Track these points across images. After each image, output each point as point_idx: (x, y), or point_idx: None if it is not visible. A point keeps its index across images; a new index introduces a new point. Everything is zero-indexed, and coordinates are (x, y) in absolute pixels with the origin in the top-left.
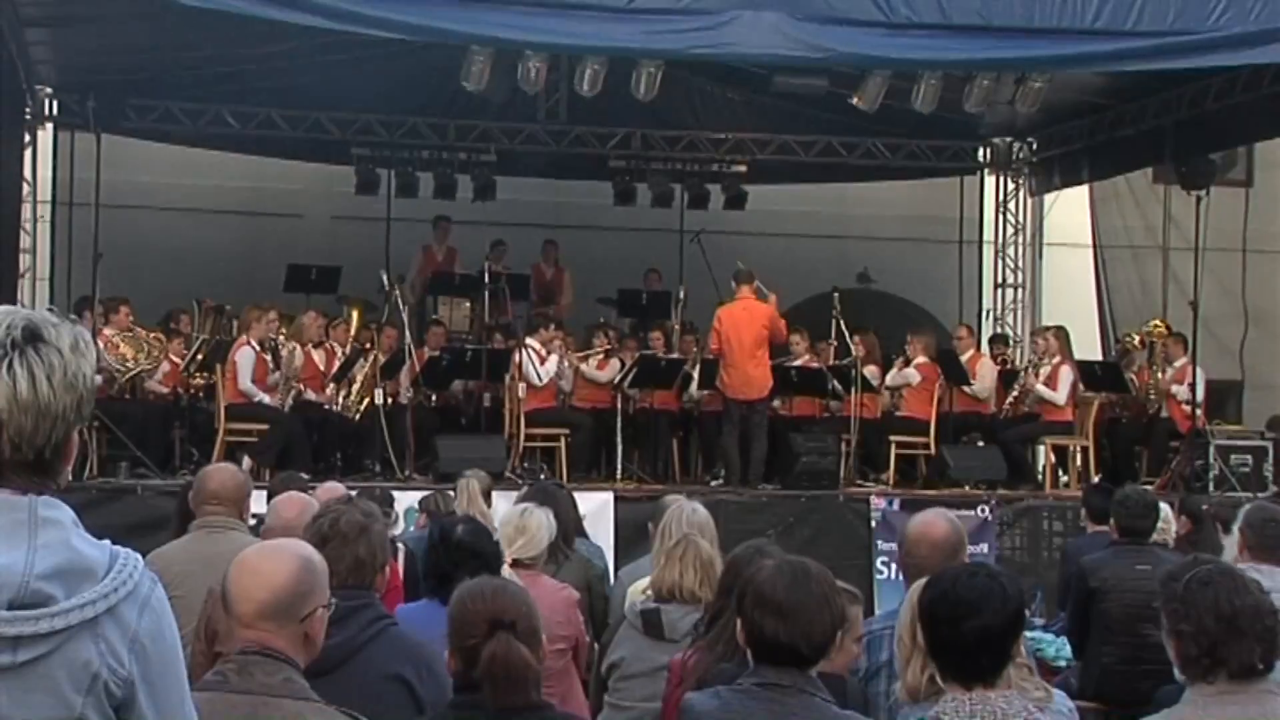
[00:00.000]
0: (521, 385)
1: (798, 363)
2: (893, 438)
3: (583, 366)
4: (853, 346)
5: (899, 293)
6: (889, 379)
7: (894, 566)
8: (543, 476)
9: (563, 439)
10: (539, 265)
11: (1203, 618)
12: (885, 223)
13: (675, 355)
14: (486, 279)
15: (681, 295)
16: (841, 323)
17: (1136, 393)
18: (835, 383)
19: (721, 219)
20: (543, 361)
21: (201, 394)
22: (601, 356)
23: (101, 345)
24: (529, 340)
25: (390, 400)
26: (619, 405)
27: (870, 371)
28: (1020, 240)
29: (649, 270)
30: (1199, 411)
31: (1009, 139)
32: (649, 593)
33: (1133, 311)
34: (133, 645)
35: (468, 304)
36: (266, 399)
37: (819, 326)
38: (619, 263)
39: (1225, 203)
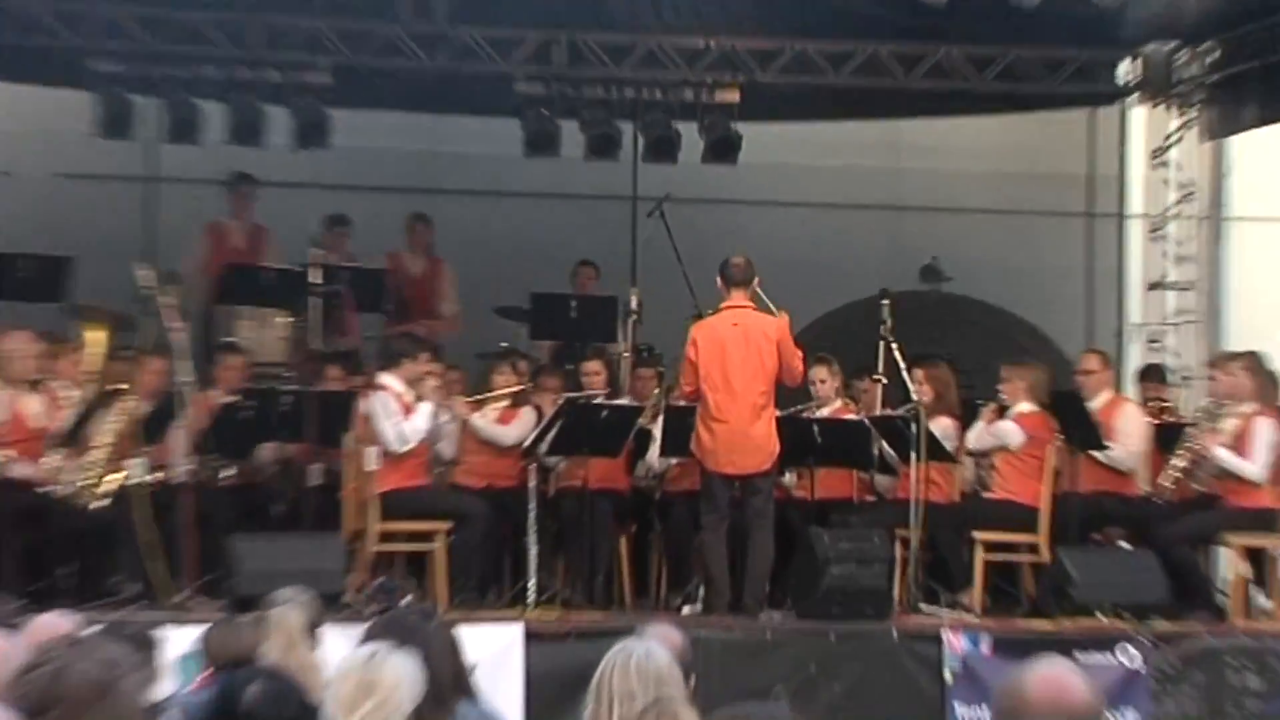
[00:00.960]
0: (372, 451)
1: (823, 412)
2: (979, 535)
3: (474, 420)
4: (913, 387)
5: (988, 298)
6: (972, 439)
7: None
8: (405, 602)
9: (439, 539)
10: (400, 255)
11: None
12: (966, 186)
13: (624, 401)
14: (315, 277)
15: (634, 303)
16: (894, 348)
17: None
18: (884, 445)
19: (699, 178)
20: (408, 412)
21: None
22: (505, 404)
23: None
24: (385, 378)
25: (156, 477)
26: (532, 483)
27: (942, 427)
28: (1189, 213)
29: (581, 263)
30: None
31: (1170, 44)
32: None
33: None
34: None
35: (284, 318)
36: None
37: (857, 353)
38: (532, 251)
39: None
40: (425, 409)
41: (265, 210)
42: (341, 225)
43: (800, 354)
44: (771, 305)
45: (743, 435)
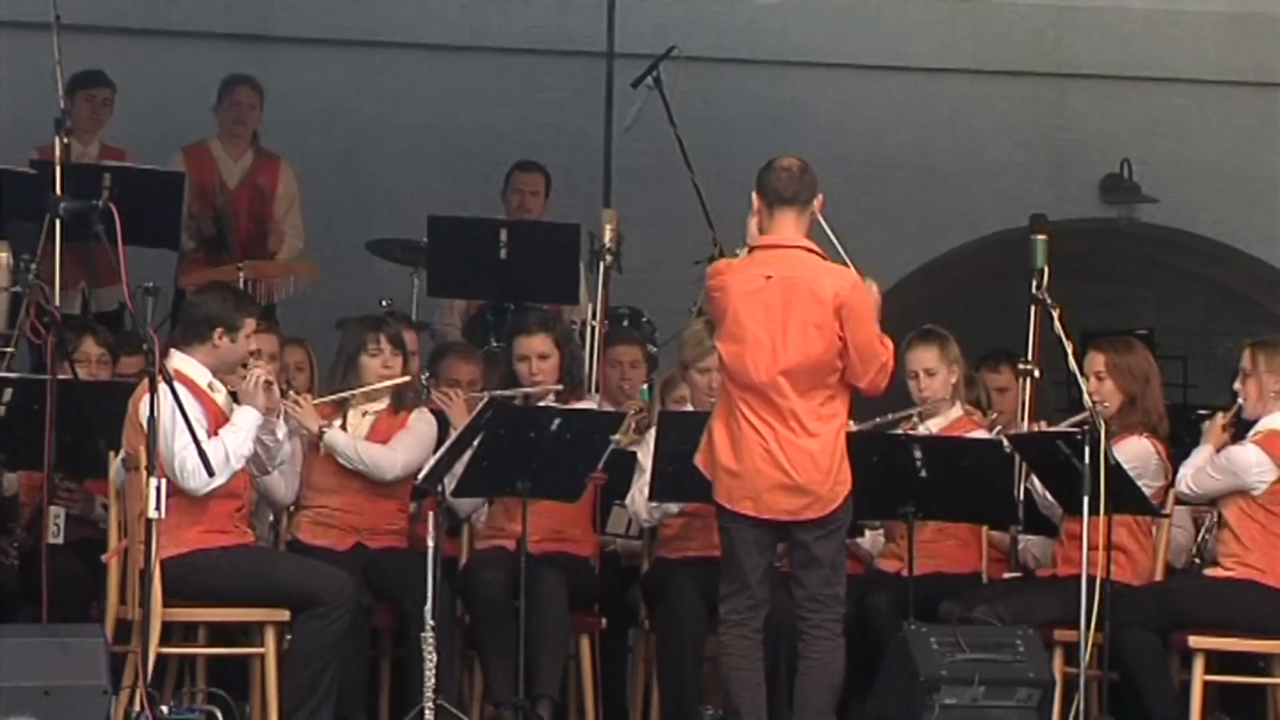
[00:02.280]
0: (155, 486)
1: (931, 426)
2: (1196, 641)
3: (331, 434)
4: (1086, 385)
5: (1213, 231)
6: (1188, 476)
7: None
8: None
9: (269, 639)
10: (207, 148)
11: None
12: (1181, 39)
13: (588, 404)
14: (58, 193)
15: (608, 236)
16: (1054, 317)
17: None
18: (1035, 484)
19: (716, 22)
20: (217, 418)
21: None
22: (383, 406)
23: None
24: (180, 359)
25: None
26: (431, 543)
27: (1136, 454)
28: None
29: (517, 167)
30: None
31: None
32: None
33: None
34: None
35: (1, 256)
36: None
37: (987, 328)
38: (433, 146)
39: None
40: (247, 414)
41: None
42: (98, 87)
43: (885, 346)
44: (841, 247)
45: (771, 458)
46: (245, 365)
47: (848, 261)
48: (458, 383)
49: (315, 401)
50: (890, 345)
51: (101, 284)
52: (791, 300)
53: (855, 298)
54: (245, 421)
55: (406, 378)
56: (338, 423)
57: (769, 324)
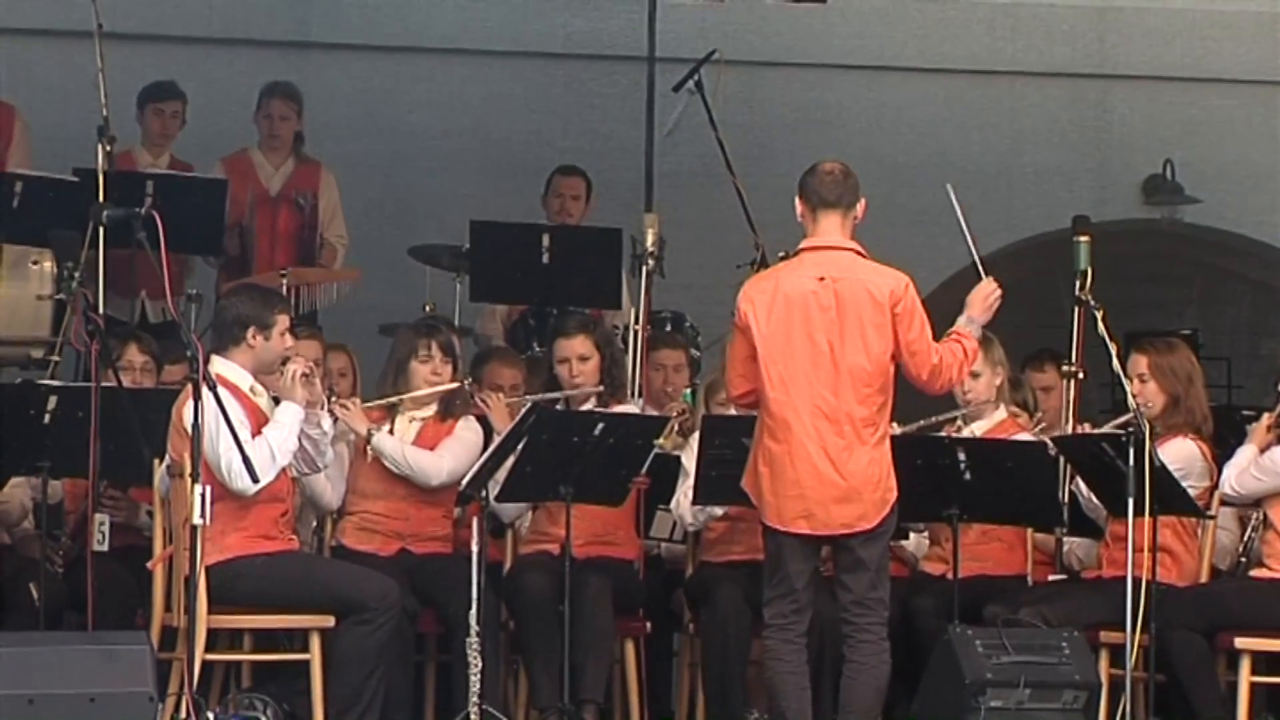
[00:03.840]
0: (199, 493)
1: (975, 429)
2: (1242, 642)
3: (378, 439)
4: (1130, 387)
5: (1258, 232)
6: (1232, 478)
7: None
8: None
9: (315, 645)
10: (247, 157)
11: None
12: (1221, 41)
13: (631, 407)
14: (101, 200)
15: (650, 241)
16: (1098, 318)
17: None
18: (1080, 486)
19: (761, 28)
20: (258, 425)
21: None
22: (429, 413)
23: None
24: (222, 364)
25: None
26: (475, 548)
27: (1181, 455)
28: None
29: (559, 172)
30: None
31: None
32: None
33: None
34: None
35: (47, 263)
36: None
37: (1031, 329)
38: (475, 151)
39: None
40: (290, 411)
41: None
42: (168, 100)
43: (964, 349)
44: (966, 226)
45: (830, 470)
46: (284, 363)
47: (970, 242)
48: (500, 388)
49: (364, 406)
50: (972, 347)
51: (159, 294)
52: (844, 303)
53: (909, 298)
54: (288, 417)
55: (455, 384)
56: (386, 428)
57: (826, 327)
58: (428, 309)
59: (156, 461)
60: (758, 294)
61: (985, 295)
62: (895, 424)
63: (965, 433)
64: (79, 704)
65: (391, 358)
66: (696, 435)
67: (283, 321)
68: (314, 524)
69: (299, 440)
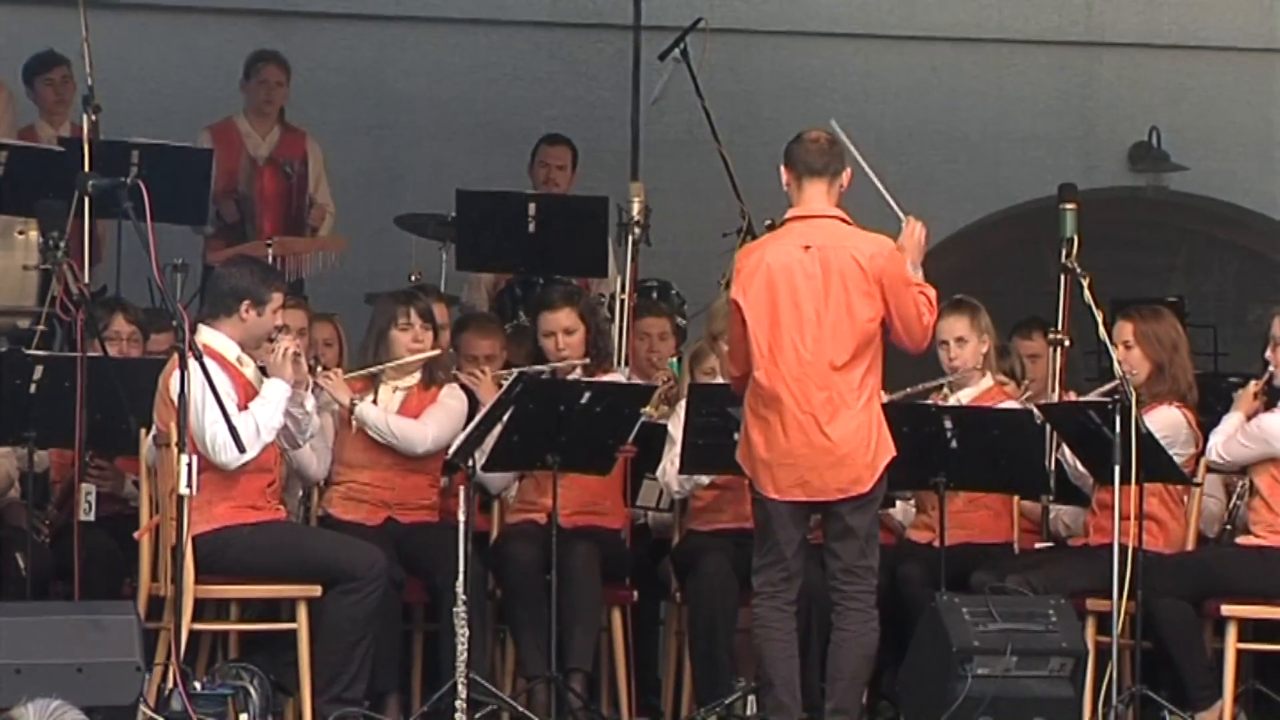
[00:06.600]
0: (186, 462)
1: (962, 396)
2: (1229, 609)
3: (363, 408)
4: (1115, 354)
5: (1244, 199)
6: (1219, 445)
7: None
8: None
9: (301, 614)
10: (233, 125)
11: None
12: (1202, 18)
13: (617, 376)
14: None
15: (635, 209)
16: (1084, 286)
17: None
18: (1066, 454)
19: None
20: (244, 394)
21: None
22: (414, 381)
23: None
24: (209, 333)
25: None
26: (462, 517)
27: (1166, 422)
28: None
29: (544, 141)
30: None
31: None
32: None
33: None
34: None
35: (31, 232)
36: None
37: (1017, 297)
38: (460, 120)
39: None
40: (276, 387)
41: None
42: (55, 67)
43: (927, 298)
44: (888, 194)
45: (820, 436)
46: (272, 339)
47: (894, 204)
48: (476, 358)
49: (346, 376)
50: (933, 293)
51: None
52: (830, 269)
53: (893, 265)
54: (274, 394)
55: (437, 351)
56: (369, 398)
57: (813, 295)
58: (414, 278)
59: (143, 431)
60: (746, 267)
61: (918, 238)
62: (883, 392)
63: (952, 400)
64: (66, 673)
65: (371, 327)
66: (683, 404)
67: (277, 299)
68: (300, 494)
69: (279, 414)
